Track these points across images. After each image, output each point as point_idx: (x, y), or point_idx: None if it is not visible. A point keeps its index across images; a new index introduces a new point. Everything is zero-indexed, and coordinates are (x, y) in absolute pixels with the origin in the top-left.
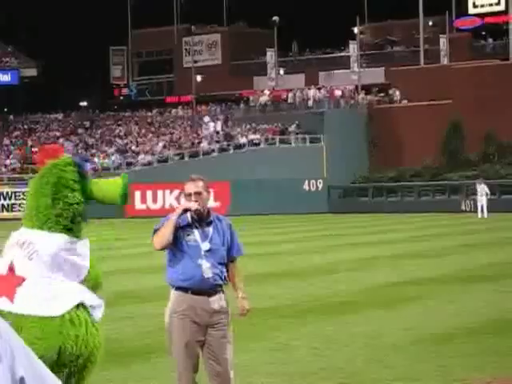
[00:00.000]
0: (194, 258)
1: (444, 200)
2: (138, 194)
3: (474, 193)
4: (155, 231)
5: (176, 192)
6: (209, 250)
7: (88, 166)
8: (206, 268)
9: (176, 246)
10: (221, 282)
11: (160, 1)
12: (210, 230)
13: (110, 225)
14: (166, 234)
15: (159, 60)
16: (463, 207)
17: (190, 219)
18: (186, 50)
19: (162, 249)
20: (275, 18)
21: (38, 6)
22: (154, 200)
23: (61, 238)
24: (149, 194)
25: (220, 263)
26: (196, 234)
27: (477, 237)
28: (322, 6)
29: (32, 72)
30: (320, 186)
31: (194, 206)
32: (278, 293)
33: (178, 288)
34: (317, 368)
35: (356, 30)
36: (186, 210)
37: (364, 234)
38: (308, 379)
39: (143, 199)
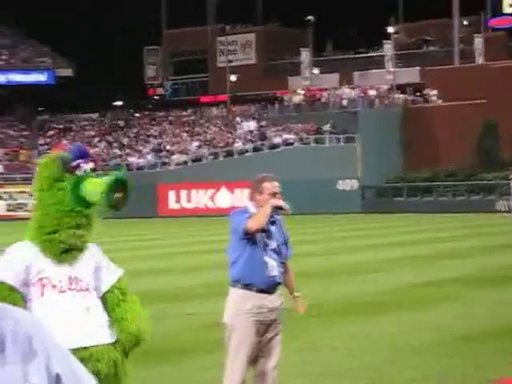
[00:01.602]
0: (261, 256)
1: (478, 200)
2: (172, 193)
3: (509, 193)
4: (243, 226)
5: (210, 191)
6: (274, 249)
7: (78, 161)
8: (272, 266)
9: (245, 243)
10: (281, 281)
11: (194, 1)
12: (274, 228)
13: (143, 224)
14: (263, 218)
15: (193, 60)
16: (498, 207)
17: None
18: (220, 49)
19: (257, 231)
20: (310, 17)
21: (73, 6)
22: (188, 199)
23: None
24: (183, 193)
25: (281, 262)
26: (263, 232)
27: (510, 237)
28: (356, 6)
29: (67, 72)
30: (354, 186)
31: (286, 206)
32: (306, 293)
33: (243, 286)
34: (343, 368)
35: (391, 29)
36: (277, 208)
37: (396, 234)
38: (334, 379)
39: (177, 198)
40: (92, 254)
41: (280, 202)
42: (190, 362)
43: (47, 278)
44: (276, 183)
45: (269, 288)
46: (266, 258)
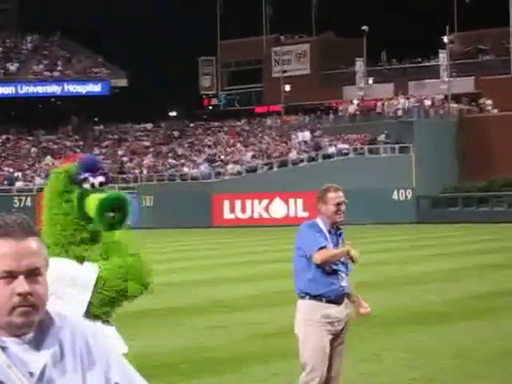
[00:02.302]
0: (331, 267)
1: None
2: (226, 204)
3: None
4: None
5: (265, 202)
6: (342, 261)
7: (86, 175)
8: (342, 277)
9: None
10: (348, 292)
11: (249, 11)
12: (340, 240)
13: (198, 234)
14: (329, 259)
15: (248, 70)
16: None
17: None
18: (274, 59)
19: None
20: (364, 27)
21: (127, 17)
22: (243, 209)
23: (65, 264)
24: (237, 203)
25: (347, 273)
26: (330, 243)
27: None
28: (411, 16)
29: (122, 82)
30: (409, 196)
31: (356, 258)
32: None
33: (312, 296)
34: (407, 379)
35: (445, 38)
36: (348, 255)
37: (452, 245)
38: None
39: (232, 209)
40: None
41: (354, 254)
42: (247, 372)
43: None
44: (341, 193)
45: (337, 298)
46: (337, 269)
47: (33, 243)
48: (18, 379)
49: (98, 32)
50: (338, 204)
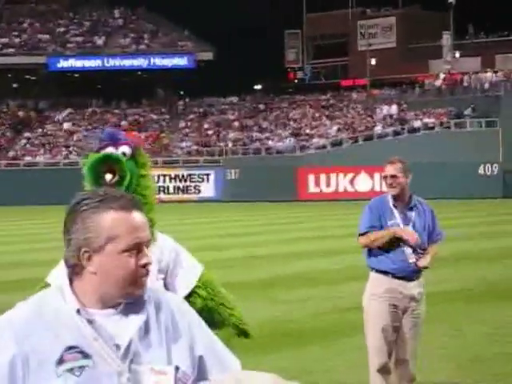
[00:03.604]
0: (396, 244)
1: None
2: (311, 177)
3: None
4: (362, 234)
5: (350, 175)
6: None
7: (101, 145)
8: (409, 253)
9: (379, 230)
10: (419, 268)
11: None
12: (413, 214)
13: (283, 208)
14: (375, 242)
15: (334, 43)
16: None
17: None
18: (360, 33)
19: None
20: (451, 0)
21: None
22: (328, 183)
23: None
24: (322, 177)
25: (422, 248)
26: (398, 218)
27: None
28: None
29: (208, 56)
30: (495, 171)
31: (412, 239)
32: (449, 277)
33: (377, 270)
34: (491, 353)
35: None
36: (400, 239)
37: None
38: (482, 365)
39: (317, 182)
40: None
41: (401, 233)
42: (340, 343)
43: None
44: (394, 166)
45: (404, 275)
46: (402, 245)
47: (143, 216)
48: (105, 352)
49: (183, 5)
50: (385, 177)
